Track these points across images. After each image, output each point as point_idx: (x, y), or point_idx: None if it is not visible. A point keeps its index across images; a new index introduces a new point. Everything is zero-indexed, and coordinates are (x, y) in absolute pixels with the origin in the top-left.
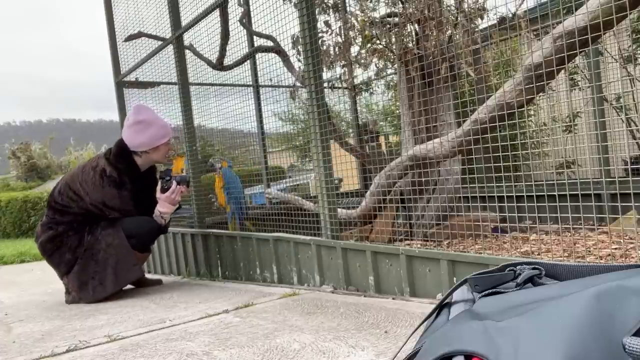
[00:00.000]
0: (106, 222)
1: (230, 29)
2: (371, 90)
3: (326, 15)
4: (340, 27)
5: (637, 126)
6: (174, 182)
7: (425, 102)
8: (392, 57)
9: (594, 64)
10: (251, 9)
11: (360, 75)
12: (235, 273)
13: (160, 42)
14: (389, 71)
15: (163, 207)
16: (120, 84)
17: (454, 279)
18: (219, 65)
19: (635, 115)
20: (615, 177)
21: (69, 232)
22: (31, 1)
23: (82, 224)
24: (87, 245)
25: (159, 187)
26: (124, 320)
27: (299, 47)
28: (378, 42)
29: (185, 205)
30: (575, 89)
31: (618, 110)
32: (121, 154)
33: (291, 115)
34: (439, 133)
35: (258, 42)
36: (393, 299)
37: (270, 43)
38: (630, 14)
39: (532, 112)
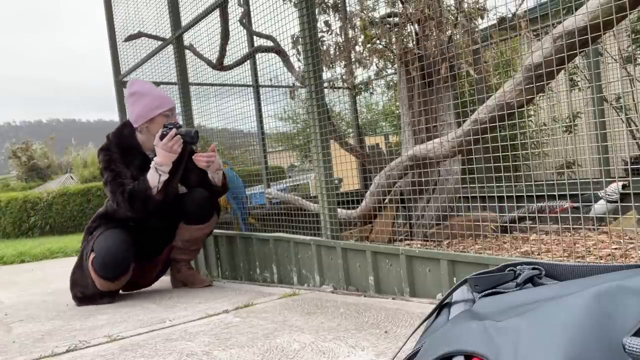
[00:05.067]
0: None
1: (230, 29)
2: (371, 90)
3: (326, 15)
4: (340, 27)
5: (637, 126)
6: (174, 130)
7: (425, 102)
8: (392, 57)
9: (593, 64)
10: (251, 9)
11: (360, 75)
12: (235, 273)
13: (160, 42)
14: (389, 71)
15: (158, 156)
16: (120, 84)
17: (454, 279)
18: (219, 65)
19: (635, 115)
20: (615, 177)
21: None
22: (31, 3)
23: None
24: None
25: (158, 135)
26: (124, 320)
27: (299, 47)
28: (378, 42)
29: None
30: (575, 89)
31: (618, 110)
32: (119, 130)
33: (291, 114)
34: (439, 133)
35: (258, 42)
36: (393, 299)
37: (270, 43)
38: (630, 14)
39: (532, 112)
